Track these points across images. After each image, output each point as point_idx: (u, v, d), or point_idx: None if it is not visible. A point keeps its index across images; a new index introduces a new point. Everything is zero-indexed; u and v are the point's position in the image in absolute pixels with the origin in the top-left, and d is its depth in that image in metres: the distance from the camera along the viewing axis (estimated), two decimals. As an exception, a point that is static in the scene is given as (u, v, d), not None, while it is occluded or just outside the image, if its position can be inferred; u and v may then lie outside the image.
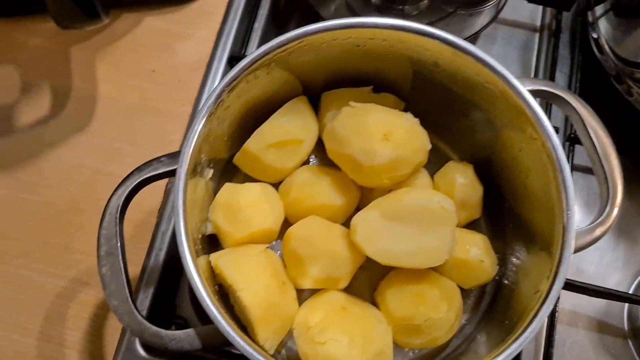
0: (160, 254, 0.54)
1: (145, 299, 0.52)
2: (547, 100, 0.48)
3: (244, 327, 0.47)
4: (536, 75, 0.65)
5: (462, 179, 0.51)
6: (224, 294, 0.48)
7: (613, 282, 0.60)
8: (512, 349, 0.39)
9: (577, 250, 0.43)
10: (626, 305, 0.58)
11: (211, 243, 0.50)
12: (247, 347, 0.37)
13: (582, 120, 0.46)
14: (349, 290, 0.50)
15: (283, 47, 0.44)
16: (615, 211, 0.44)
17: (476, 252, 0.48)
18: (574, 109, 0.46)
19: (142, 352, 0.50)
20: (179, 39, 0.63)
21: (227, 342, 0.38)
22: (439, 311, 0.46)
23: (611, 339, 0.58)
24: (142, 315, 0.40)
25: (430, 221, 0.45)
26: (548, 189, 0.43)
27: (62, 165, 0.57)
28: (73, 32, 0.62)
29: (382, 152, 0.45)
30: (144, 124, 0.60)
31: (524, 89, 0.44)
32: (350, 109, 0.48)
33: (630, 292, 0.59)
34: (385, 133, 0.46)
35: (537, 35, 0.68)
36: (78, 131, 0.58)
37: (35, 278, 0.53)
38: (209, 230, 0.48)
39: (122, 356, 0.51)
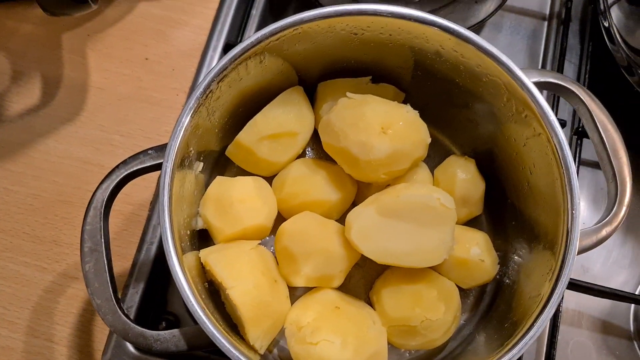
0: (152, 248, 0.52)
1: (135, 294, 0.51)
2: (555, 92, 0.46)
3: (235, 325, 0.45)
4: (544, 65, 0.63)
5: (463, 174, 0.49)
6: (216, 291, 0.47)
7: (619, 281, 0.58)
8: (511, 355, 0.37)
9: (582, 252, 0.42)
10: (632, 305, 0.56)
11: (203, 238, 0.48)
12: (233, 351, 0.36)
13: (591, 115, 0.43)
14: (343, 288, 0.48)
15: (276, 36, 0.42)
16: (624, 210, 0.42)
17: (477, 251, 0.46)
18: (583, 102, 0.44)
19: (131, 348, 0.49)
20: (173, 26, 0.61)
21: (213, 344, 0.36)
22: (436, 312, 0.44)
23: (616, 340, 0.56)
24: (127, 314, 0.39)
25: (429, 218, 0.43)
26: (553, 186, 0.41)
27: (51, 157, 0.55)
28: (64, 19, 0.60)
29: (379, 146, 0.43)
30: (136, 114, 0.58)
31: (530, 81, 0.41)
32: (347, 100, 0.46)
33: (638, 291, 0.57)
34: (383, 126, 0.44)
35: (545, 23, 0.65)
36: (68, 121, 0.57)
37: (24, 272, 0.52)
38: (200, 225, 0.47)
39: (112, 352, 0.49)
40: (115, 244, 0.53)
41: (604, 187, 0.60)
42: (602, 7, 0.59)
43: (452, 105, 0.51)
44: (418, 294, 0.45)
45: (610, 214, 0.42)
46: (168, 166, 0.39)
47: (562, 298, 0.53)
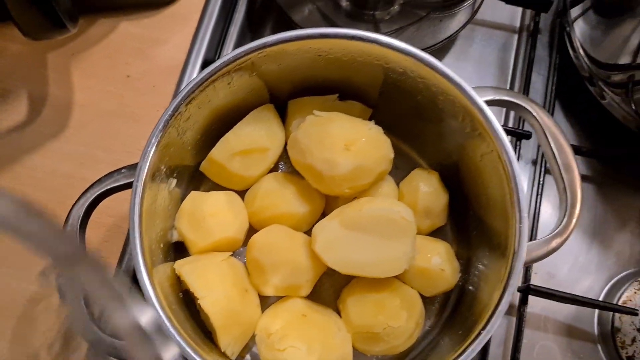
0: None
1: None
2: (510, 109, 0.48)
3: (210, 332, 0.48)
4: (513, 77, 0.65)
5: (426, 187, 0.51)
6: (192, 300, 0.49)
7: (585, 286, 0.60)
8: (459, 362, 0.39)
9: (532, 262, 0.44)
10: (597, 310, 0.58)
11: (180, 250, 0.51)
12: (194, 356, 0.38)
13: (543, 130, 0.46)
14: (314, 296, 0.50)
15: (242, 59, 0.44)
16: (573, 223, 0.44)
17: (437, 261, 0.49)
18: (535, 117, 0.46)
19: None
20: (154, 44, 0.64)
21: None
22: (398, 320, 0.46)
23: (581, 343, 0.58)
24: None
25: (390, 231, 0.45)
26: (504, 200, 0.43)
27: (36, 172, 0.58)
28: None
29: (342, 162, 0.46)
30: (118, 130, 0.60)
31: (482, 99, 0.44)
32: (314, 118, 0.48)
33: (602, 296, 0.59)
34: (346, 143, 0.46)
35: (516, 36, 0.67)
36: (53, 137, 0.59)
37: (8, 282, 0.54)
38: (175, 237, 0.49)
39: None
40: (97, 255, 0.55)
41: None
42: (567, 20, 0.61)
43: (419, 120, 0.53)
44: (381, 302, 0.47)
45: (561, 226, 0.44)
46: (138, 185, 0.41)
47: (526, 303, 0.56)
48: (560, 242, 0.43)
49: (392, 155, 0.49)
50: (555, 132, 0.45)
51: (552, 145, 0.45)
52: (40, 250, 0.20)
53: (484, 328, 0.39)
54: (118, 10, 0.64)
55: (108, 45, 0.63)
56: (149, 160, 0.41)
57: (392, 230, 0.45)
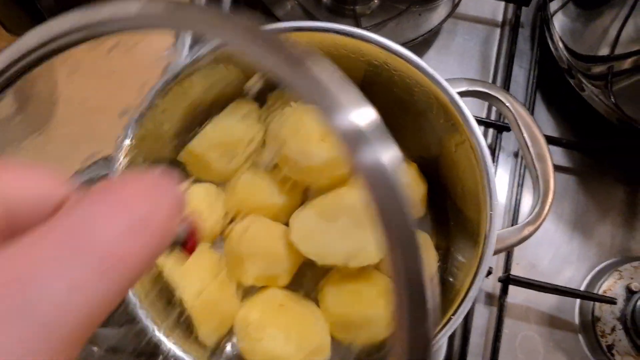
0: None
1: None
2: (484, 100, 0.48)
3: (189, 324, 0.48)
4: (496, 70, 0.65)
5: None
6: (171, 292, 0.49)
7: (566, 276, 0.60)
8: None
9: (504, 249, 0.44)
10: (578, 300, 0.59)
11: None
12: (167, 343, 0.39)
13: (517, 120, 0.46)
14: (294, 286, 0.51)
15: (216, 53, 0.45)
16: (546, 210, 0.44)
17: (414, 250, 0.49)
18: (508, 108, 0.46)
19: (94, 348, 0.52)
20: (139, 39, 0.64)
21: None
22: (376, 308, 0.47)
23: (562, 333, 0.58)
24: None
25: (365, 220, 0.46)
26: (477, 188, 0.44)
27: (22, 166, 0.59)
28: (35, 35, 0.63)
29: (317, 153, 0.46)
30: (103, 125, 0.61)
31: (455, 91, 0.44)
32: (291, 110, 0.49)
33: (583, 286, 0.59)
34: (322, 134, 0.47)
35: (498, 30, 0.67)
36: (38, 132, 0.60)
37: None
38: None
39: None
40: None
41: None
42: (548, 13, 0.62)
43: (398, 114, 0.53)
44: (358, 291, 0.48)
45: (533, 214, 0.44)
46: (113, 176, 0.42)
47: (507, 293, 0.56)
48: (532, 229, 0.44)
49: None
50: (529, 122, 0.46)
51: (526, 135, 0.45)
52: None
53: (454, 313, 0.40)
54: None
55: (94, 40, 0.64)
56: (123, 151, 0.42)
57: (367, 219, 0.46)
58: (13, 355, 0.14)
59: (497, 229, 0.43)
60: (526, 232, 0.44)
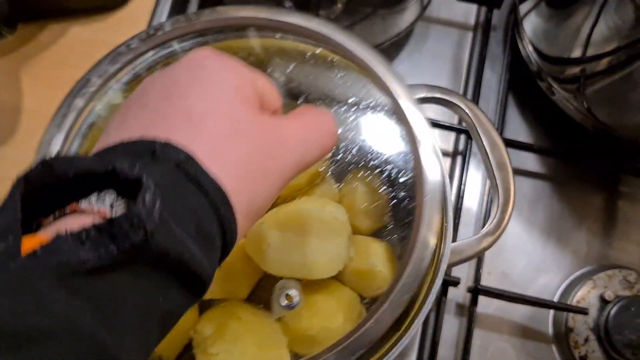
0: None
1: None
2: (444, 106, 0.47)
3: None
4: (468, 74, 0.64)
5: (364, 187, 0.50)
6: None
7: (540, 285, 0.59)
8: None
9: (462, 261, 0.43)
10: (552, 311, 0.57)
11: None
12: None
13: (476, 127, 0.45)
14: (258, 298, 0.50)
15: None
16: (505, 221, 0.43)
17: (374, 261, 0.48)
18: (467, 114, 0.45)
19: None
20: (104, 48, 0.63)
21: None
22: (334, 321, 0.46)
23: (535, 344, 0.57)
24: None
25: (323, 232, 0.45)
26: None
27: (-15, 178, 0.58)
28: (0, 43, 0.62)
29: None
30: (68, 134, 0.60)
31: (414, 97, 0.43)
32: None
33: (557, 295, 0.58)
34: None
35: (470, 33, 0.66)
36: (2, 143, 0.59)
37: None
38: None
39: None
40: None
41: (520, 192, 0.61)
42: (518, 14, 0.60)
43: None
44: (316, 304, 0.47)
45: (492, 225, 0.43)
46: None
47: (476, 303, 0.55)
48: (491, 241, 0.42)
49: (327, 155, 0.48)
50: (488, 129, 0.45)
51: (485, 142, 0.44)
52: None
53: (406, 330, 0.39)
54: (68, 14, 0.64)
55: (58, 50, 0.63)
56: (48, 149, 0.42)
57: (325, 231, 0.45)
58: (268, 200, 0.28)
59: (460, 239, 0.42)
60: (485, 243, 0.42)
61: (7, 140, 0.60)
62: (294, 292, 0.43)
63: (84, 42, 0.63)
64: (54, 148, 0.41)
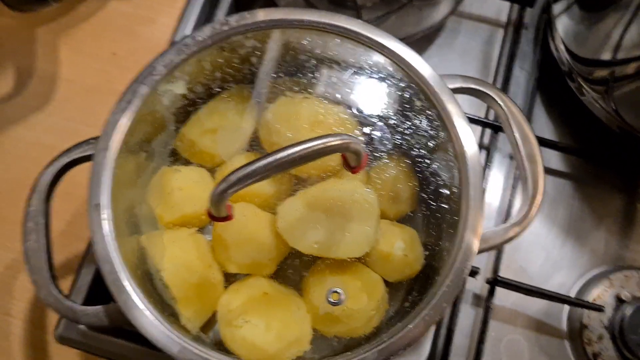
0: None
1: (88, 273, 0.55)
2: (477, 97, 0.48)
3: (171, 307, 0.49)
4: (497, 71, 0.65)
5: (395, 172, 0.51)
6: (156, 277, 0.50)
7: (557, 282, 0.60)
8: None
9: (488, 249, 0.44)
10: (566, 306, 0.58)
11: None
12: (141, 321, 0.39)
13: (508, 118, 0.46)
14: (280, 276, 0.51)
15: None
16: (533, 212, 0.44)
17: (400, 246, 0.49)
18: (500, 105, 0.46)
19: (79, 324, 0.53)
20: (141, 23, 0.65)
21: (127, 322, 0.39)
22: (358, 302, 0.47)
23: (548, 338, 0.58)
24: (60, 290, 0.42)
25: (352, 213, 0.46)
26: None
27: (20, 143, 0.59)
28: (39, 14, 0.64)
29: (307, 142, 0.46)
30: (102, 106, 0.60)
31: (448, 86, 0.44)
32: (285, 99, 0.49)
33: (573, 293, 0.59)
34: (313, 122, 0.47)
35: (501, 30, 0.67)
36: (37, 110, 0.61)
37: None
38: (144, 212, 0.50)
39: (64, 325, 0.53)
40: (73, 226, 0.57)
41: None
42: (551, 14, 0.61)
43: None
44: (342, 284, 0.48)
45: (520, 216, 0.44)
46: (97, 155, 0.42)
47: (493, 295, 0.56)
48: (518, 230, 0.43)
49: (360, 138, 0.49)
50: (521, 122, 0.45)
51: (517, 134, 0.45)
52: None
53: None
54: (108, -12, 0.65)
55: (97, 22, 0.64)
56: (112, 132, 0.42)
57: (355, 212, 0.46)
58: None
59: (485, 229, 0.42)
60: (512, 233, 0.43)
61: (42, 107, 0.61)
62: (340, 292, 0.44)
63: (122, 15, 0.64)
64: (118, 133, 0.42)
